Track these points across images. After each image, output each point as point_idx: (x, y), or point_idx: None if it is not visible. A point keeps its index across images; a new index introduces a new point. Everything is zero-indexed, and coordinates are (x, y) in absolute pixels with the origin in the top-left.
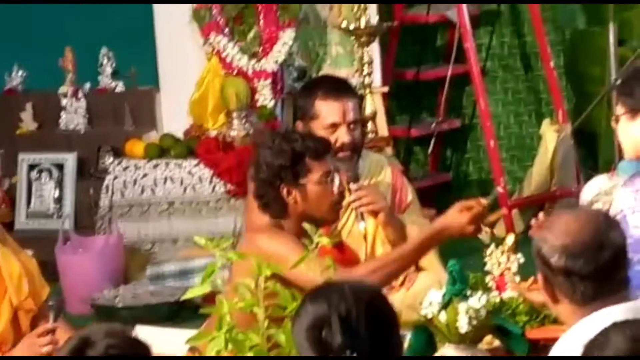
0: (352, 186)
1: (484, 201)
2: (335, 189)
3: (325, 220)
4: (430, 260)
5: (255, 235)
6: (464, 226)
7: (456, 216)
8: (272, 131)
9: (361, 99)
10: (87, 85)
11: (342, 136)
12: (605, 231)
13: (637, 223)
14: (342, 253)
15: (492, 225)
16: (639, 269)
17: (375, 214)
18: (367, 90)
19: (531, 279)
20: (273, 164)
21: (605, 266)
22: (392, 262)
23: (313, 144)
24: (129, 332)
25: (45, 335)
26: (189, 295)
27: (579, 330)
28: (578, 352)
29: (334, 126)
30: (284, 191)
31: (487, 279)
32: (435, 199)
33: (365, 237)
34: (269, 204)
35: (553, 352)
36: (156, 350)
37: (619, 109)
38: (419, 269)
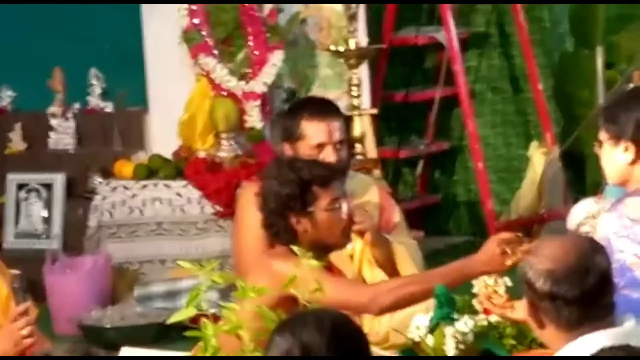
0: None
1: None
2: (344, 214)
3: (336, 245)
4: None
5: (271, 260)
6: (503, 261)
7: (494, 249)
8: (276, 161)
9: (347, 119)
10: (77, 106)
11: (328, 156)
12: (590, 256)
13: (622, 247)
14: (331, 274)
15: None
16: (624, 293)
17: (362, 234)
18: (356, 112)
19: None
20: (280, 194)
21: (590, 291)
22: (416, 283)
23: (319, 171)
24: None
25: (20, 318)
26: (174, 319)
27: (565, 353)
28: None
29: (320, 146)
30: (294, 221)
31: (474, 302)
32: (423, 220)
33: (352, 257)
34: (279, 234)
35: None
36: None
37: (603, 135)
38: None
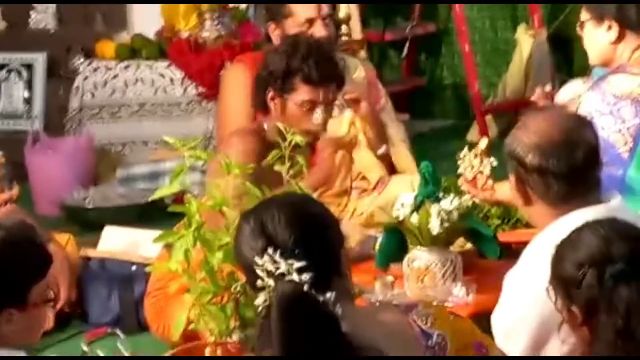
0: None
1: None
2: (316, 121)
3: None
4: (407, 161)
5: (230, 137)
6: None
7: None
8: (295, 37)
9: None
10: None
11: (318, 31)
12: (578, 130)
13: (604, 125)
14: (313, 155)
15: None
16: (607, 170)
17: (356, 103)
18: None
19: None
20: (268, 67)
21: (579, 165)
22: None
23: (311, 68)
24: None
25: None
26: (158, 194)
27: (552, 231)
28: (550, 253)
29: (310, 22)
30: (269, 95)
31: (460, 182)
32: (409, 103)
33: (353, 124)
34: (258, 97)
35: (525, 254)
36: (126, 250)
37: (584, 15)
38: (392, 172)
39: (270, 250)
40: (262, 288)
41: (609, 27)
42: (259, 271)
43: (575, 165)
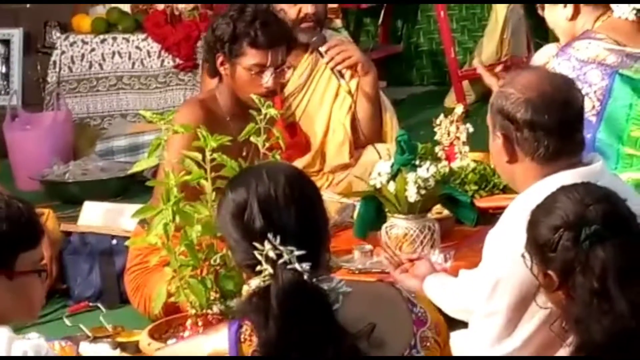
0: (322, 48)
1: None
2: (265, 84)
3: (246, 103)
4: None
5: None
6: None
7: None
8: (243, 2)
9: None
10: None
11: (305, 7)
12: (568, 89)
13: None
14: (293, 135)
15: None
16: None
17: (354, 67)
18: None
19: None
20: (214, 32)
21: (569, 122)
22: None
23: (258, 31)
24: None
25: None
26: (136, 168)
27: (536, 191)
28: (527, 217)
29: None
30: (218, 60)
31: (437, 149)
32: (386, 70)
33: (350, 93)
34: (209, 63)
35: (508, 213)
36: (107, 224)
37: None
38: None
39: (270, 236)
40: (253, 267)
41: (565, 5)
42: (257, 254)
43: (567, 121)
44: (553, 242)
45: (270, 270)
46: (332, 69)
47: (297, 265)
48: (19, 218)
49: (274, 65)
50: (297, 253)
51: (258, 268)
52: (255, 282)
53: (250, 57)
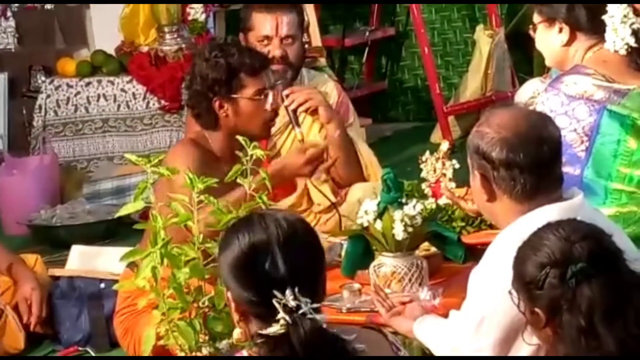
0: (285, 92)
1: (321, 144)
2: (268, 105)
3: (256, 136)
4: (374, 168)
5: (173, 149)
6: (300, 167)
7: (294, 157)
8: (209, 43)
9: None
10: (16, 4)
11: (273, 49)
12: (542, 125)
13: (561, 125)
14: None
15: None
16: (565, 170)
17: (314, 112)
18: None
19: (466, 188)
20: (208, 77)
21: (545, 159)
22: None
23: (249, 59)
24: None
25: None
26: (122, 212)
27: (517, 228)
28: (514, 252)
29: (267, 39)
30: (216, 104)
31: (423, 186)
32: (371, 107)
33: (302, 141)
34: (201, 115)
35: (490, 251)
36: (94, 267)
37: (536, 18)
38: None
39: (289, 287)
40: (268, 316)
41: (560, 30)
42: (275, 303)
43: (542, 159)
44: (540, 280)
45: (287, 318)
46: (288, 113)
47: (315, 315)
48: None
49: (271, 85)
50: (314, 305)
51: (277, 316)
52: (272, 329)
53: (252, 86)
